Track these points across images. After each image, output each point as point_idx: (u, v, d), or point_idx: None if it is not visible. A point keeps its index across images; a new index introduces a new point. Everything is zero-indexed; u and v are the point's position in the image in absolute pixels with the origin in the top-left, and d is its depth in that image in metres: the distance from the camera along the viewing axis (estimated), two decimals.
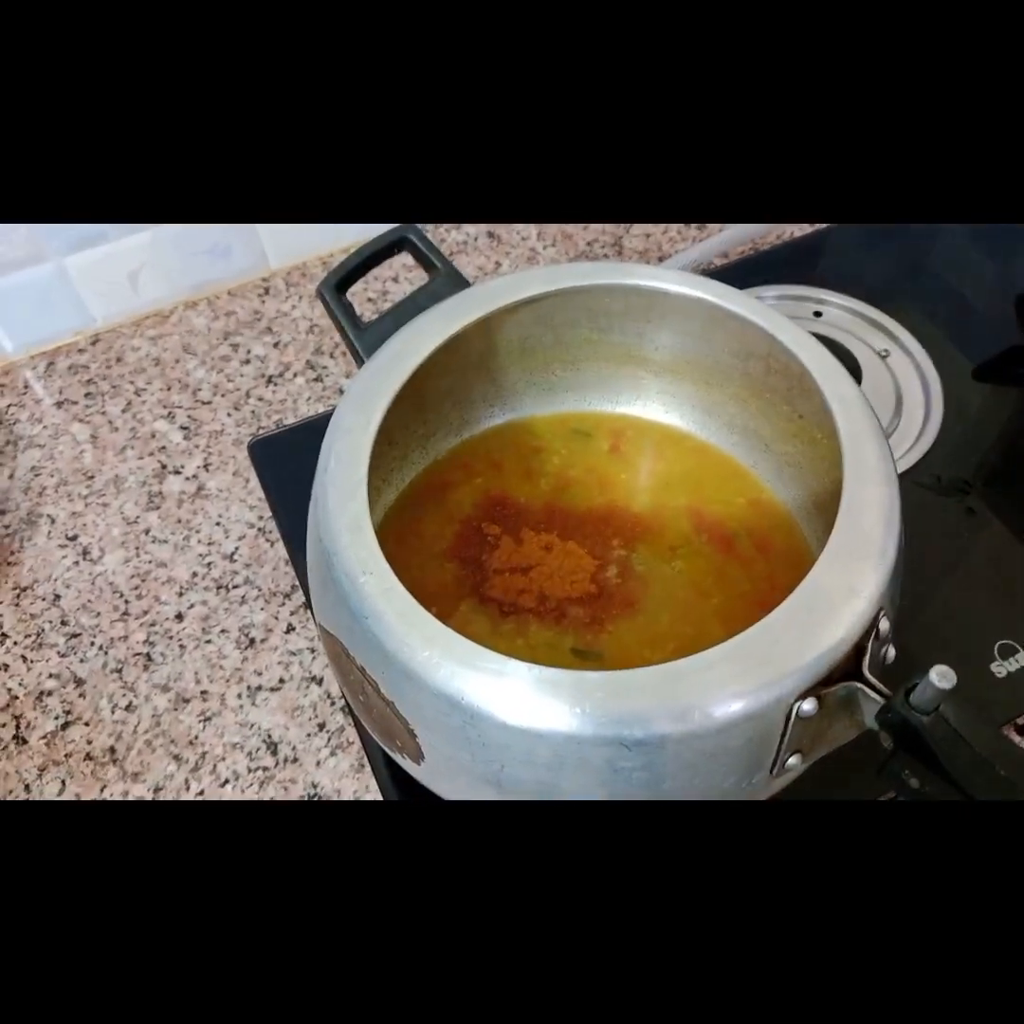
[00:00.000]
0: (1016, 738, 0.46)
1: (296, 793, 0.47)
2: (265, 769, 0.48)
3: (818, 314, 0.63)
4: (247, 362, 0.66)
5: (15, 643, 0.53)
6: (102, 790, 0.47)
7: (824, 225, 0.70)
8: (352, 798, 0.46)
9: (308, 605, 0.53)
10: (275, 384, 0.65)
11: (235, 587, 0.55)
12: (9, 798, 0.47)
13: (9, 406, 0.64)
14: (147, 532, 0.57)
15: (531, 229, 0.73)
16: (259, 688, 0.51)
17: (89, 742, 0.49)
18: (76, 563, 0.56)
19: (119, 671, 0.52)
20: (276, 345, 0.67)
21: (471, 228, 0.73)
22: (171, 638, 0.53)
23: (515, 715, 0.32)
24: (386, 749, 0.40)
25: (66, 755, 0.49)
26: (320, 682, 0.51)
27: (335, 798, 0.46)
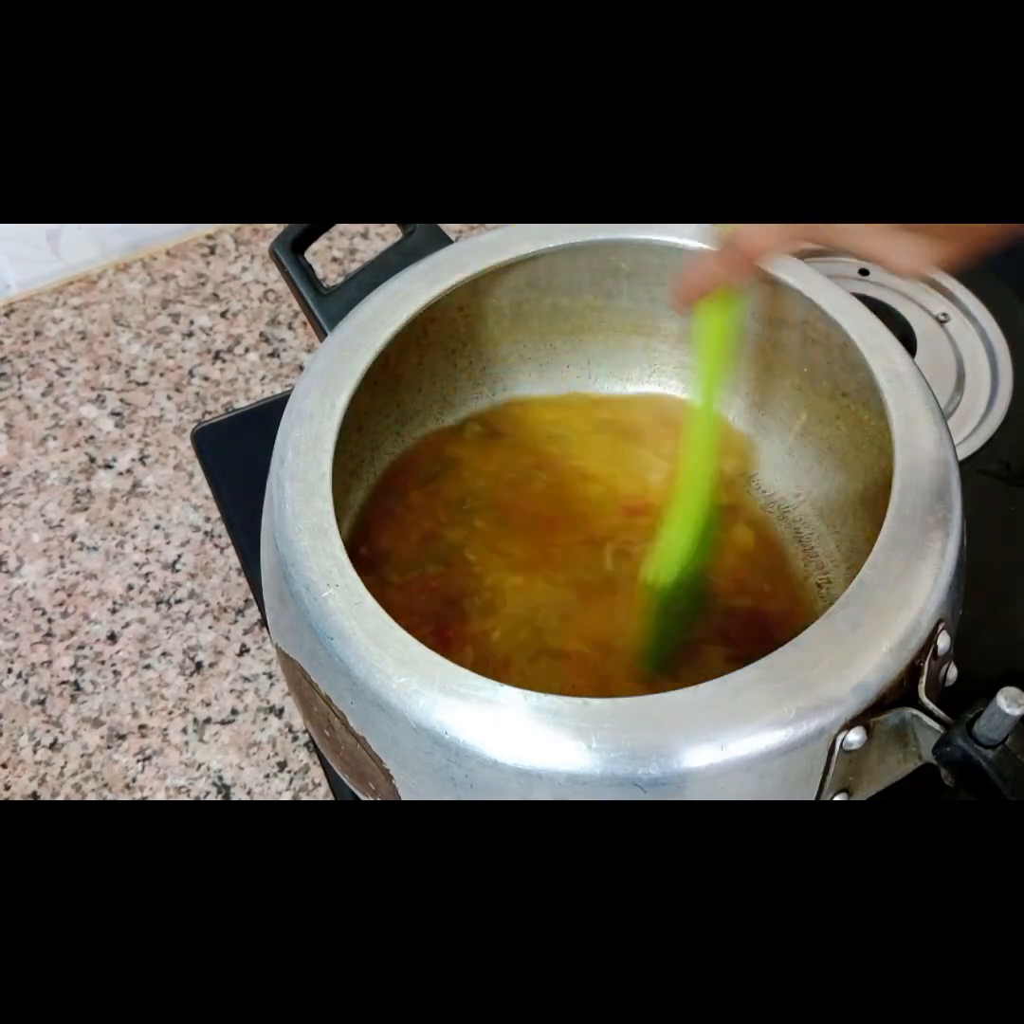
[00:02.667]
0: None
1: None
2: None
3: (864, 273, 0.63)
4: (190, 335, 0.66)
5: None
6: None
7: None
8: None
9: (264, 622, 0.53)
10: (223, 361, 0.64)
11: (178, 602, 0.55)
12: None
13: None
14: (73, 538, 0.57)
15: None
16: (208, 721, 0.51)
17: (7, 787, 0.49)
18: None
19: (41, 702, 0.52)
20: (224, 315, 0.67)
21: None
22: (103, 663, 0.53)
23: (508, 751, 0.32)
24: (357, 793, 0.40)
25: None
26: (280, 713, 0.51)
27: None
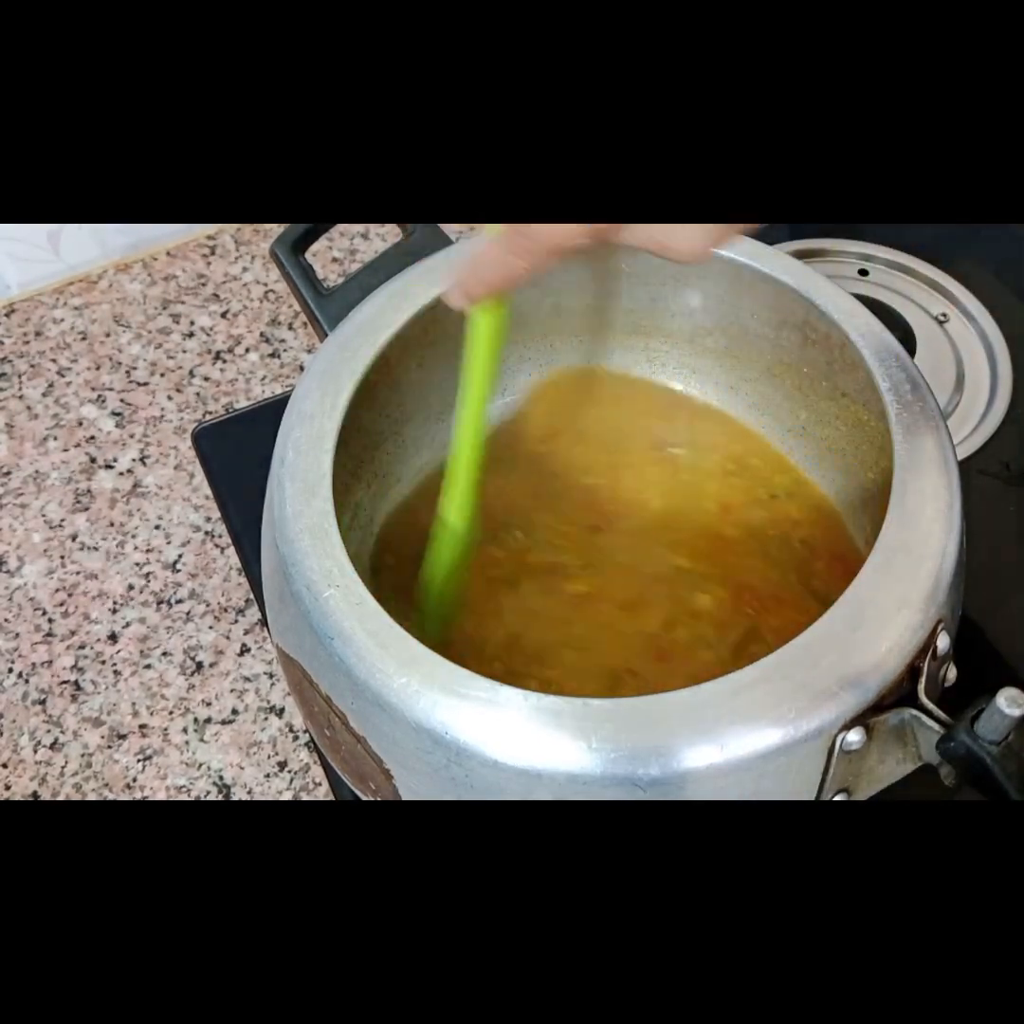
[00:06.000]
0: None
1: None
2: None
3: (864, 273, 0.63)
4: (190, 335, 0.66)
5: None
6: None
7: None
8: None
9: (264, 622, 0.53)
10: (224, 361, 0.64)
11: (178, 602, 0.55)
12: None
13: None
14: (74, 538, 0.57)
15: None
16: (208, 721, 0.51)
17: (7, 787, 0.49)
18: None
19: (42, 702, 0.52)
20: (224, 315, 0.67)
21: None
22: (103, 663, 0.53)
23: (509, 751, 0.32)
24: (357, 793, 0.39)
25: None
26: (280, 713, 0.51)
27: None
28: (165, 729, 0.50)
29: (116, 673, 0.52)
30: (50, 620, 0.54)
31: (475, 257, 0.34)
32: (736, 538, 0.47)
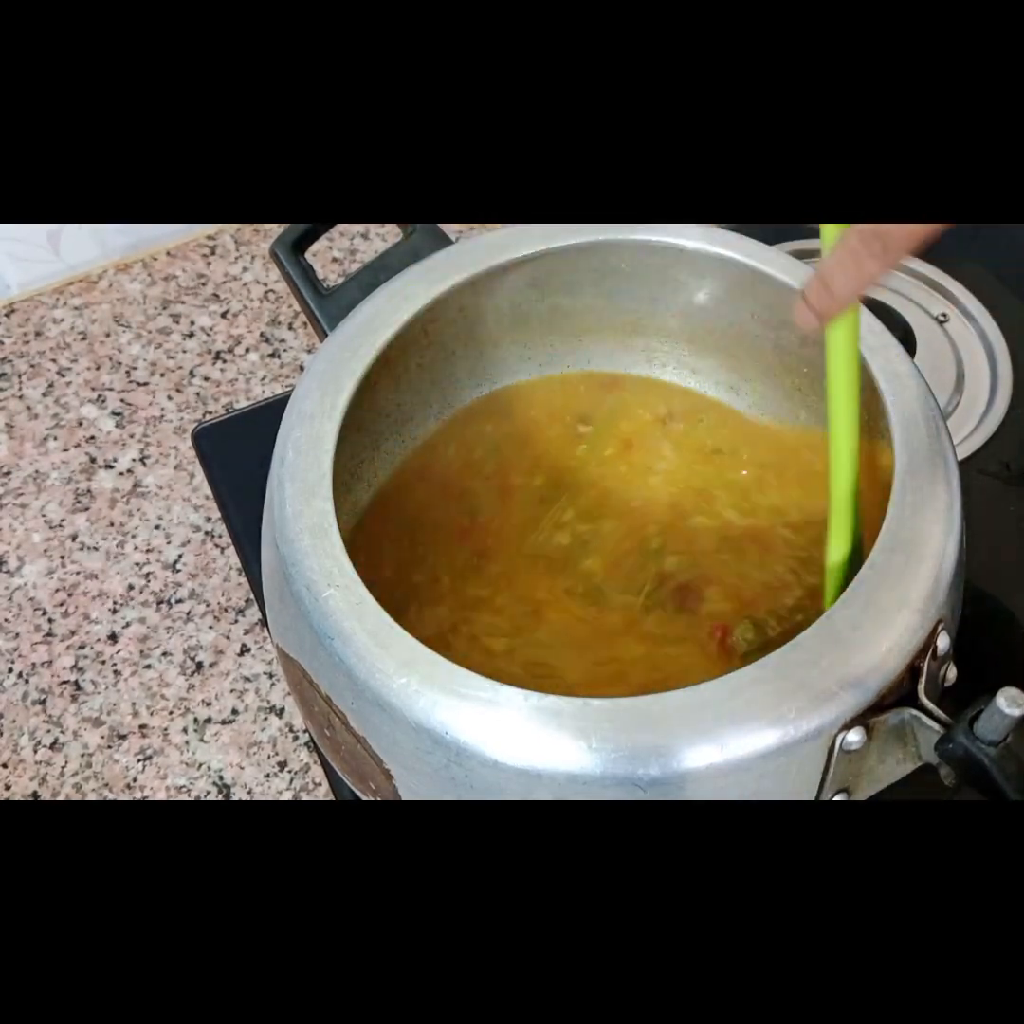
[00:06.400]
0: None
1: None
2: None
3: None
4: (190, 335, 0.66)
5: None
6: None
7: None
8: None
9: (264, 622, 0.53)
10: (224, 361, 0.64)
11: (178, 602, 0.55)
12: None
13: None
14: (74, 538, 0.57)
15: None
16: (208, 721, 0.51)
17: (7, 787, 0.49)
18: None
19: (42, 702, 0.52)
20: (224, 315, 0.67)
21: None
22: (103, 663, 0.53)
23: (509, 752, 0.32)
24: (358, 793, 0.39)
25: None
26: (280, 713, 0.51)
27: None
28: (165, 729, 0.50)
29: (116, 673, 0.52)
30: (50, 620, 0.54)
31: (823, 272, 0.32)
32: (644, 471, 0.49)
